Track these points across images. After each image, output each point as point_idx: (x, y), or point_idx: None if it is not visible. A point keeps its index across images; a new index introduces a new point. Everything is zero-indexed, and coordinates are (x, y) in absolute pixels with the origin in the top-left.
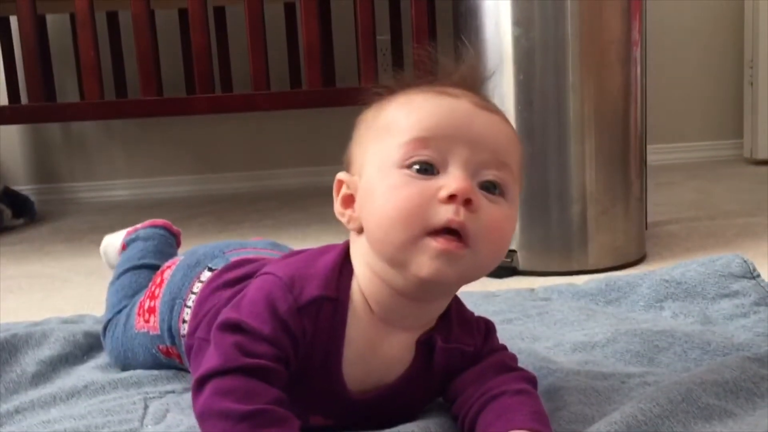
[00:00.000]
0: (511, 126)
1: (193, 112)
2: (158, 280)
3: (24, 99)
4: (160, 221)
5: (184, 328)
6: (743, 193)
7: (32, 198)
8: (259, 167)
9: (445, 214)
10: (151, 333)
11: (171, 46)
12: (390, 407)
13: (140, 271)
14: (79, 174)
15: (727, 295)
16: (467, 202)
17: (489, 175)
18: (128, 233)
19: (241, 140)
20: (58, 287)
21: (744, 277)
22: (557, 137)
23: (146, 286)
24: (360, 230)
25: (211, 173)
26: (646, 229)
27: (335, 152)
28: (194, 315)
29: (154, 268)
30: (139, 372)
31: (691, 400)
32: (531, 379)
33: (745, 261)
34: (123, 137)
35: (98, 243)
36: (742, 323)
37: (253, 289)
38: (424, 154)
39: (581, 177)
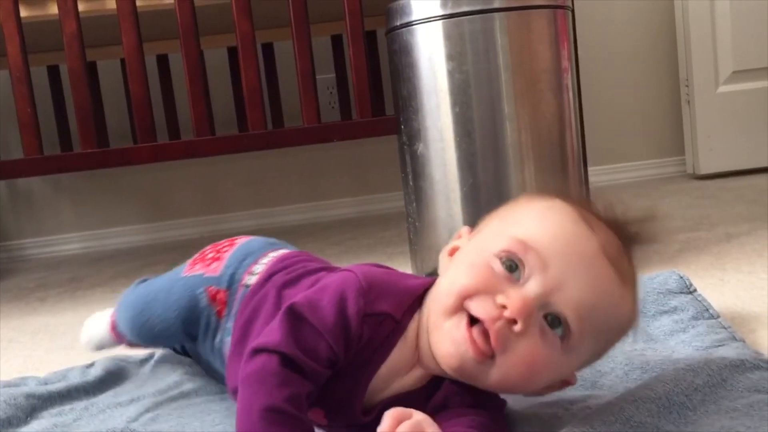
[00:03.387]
0: (629, 300)
1: (135, 163)
2: (226, 244)
3: None
4: None
5: (249, 279)
6: (686, 209)
7: None
8: (211, 212)
9: (487, 311)
10: (206, 275)
11: (116, 96)
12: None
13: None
14: (27, 230)
15: (666, 312)
16: (511, 322)
17: (558, 312)
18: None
19: (191, 186)
20: (4, 348)
21: (681, 292)
22: (497, 166)
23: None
24: None
25: (163, 221)
26: None
27: (286, 193)
28: (275, 263)
29: None
30: None
31: (624, 419)
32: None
33: (681, 277)
34: (70, 190)
35: (45, 300)
36: (681, 338)
37: (331, 280)
38: (518, 257)
39: None
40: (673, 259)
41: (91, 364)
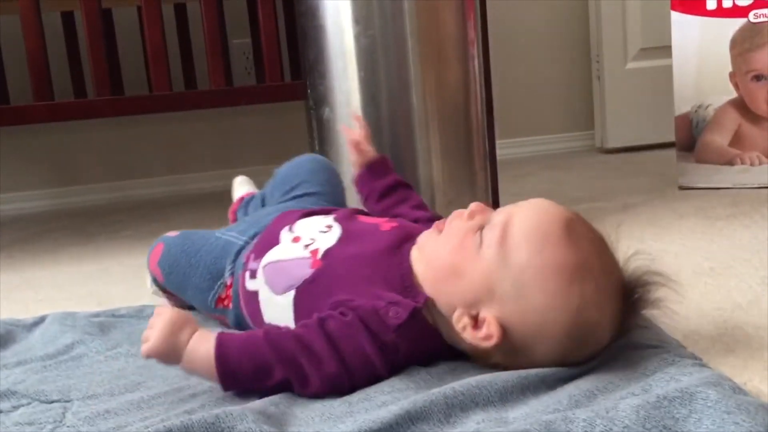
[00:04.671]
0: (569, 296)
1: (31, 121)
2: None
3: None
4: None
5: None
6: (591, 181)
7: None
8: (119, 177)
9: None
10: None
11: (18, 53)
12: None
13: None
14: None
15: None
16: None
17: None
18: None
19: (98, 150)
20: None
21: None
22: (404, 131)
23: None
24: None
25: (67, 185)
26: None
27: (196, 159)
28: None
29: None
30: None
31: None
32: None
33: None
34: None
35: None
36: None
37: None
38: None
39: (428, 169)
40: None
41: None
